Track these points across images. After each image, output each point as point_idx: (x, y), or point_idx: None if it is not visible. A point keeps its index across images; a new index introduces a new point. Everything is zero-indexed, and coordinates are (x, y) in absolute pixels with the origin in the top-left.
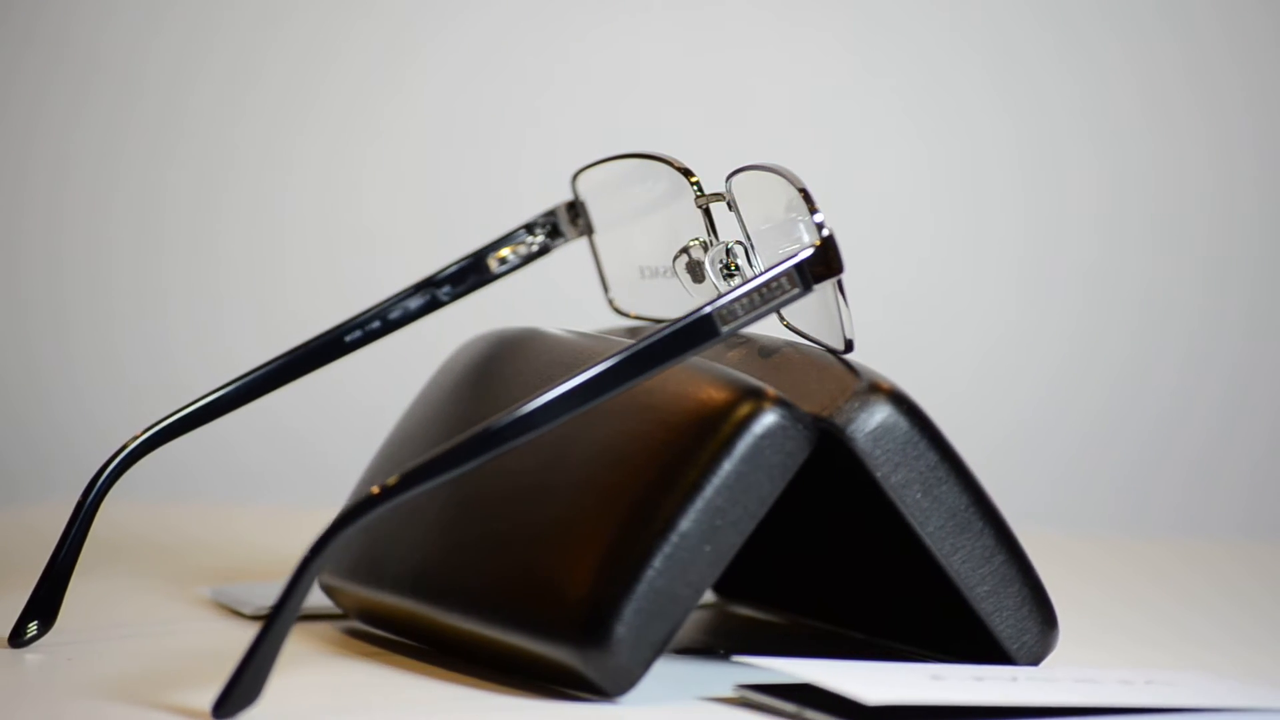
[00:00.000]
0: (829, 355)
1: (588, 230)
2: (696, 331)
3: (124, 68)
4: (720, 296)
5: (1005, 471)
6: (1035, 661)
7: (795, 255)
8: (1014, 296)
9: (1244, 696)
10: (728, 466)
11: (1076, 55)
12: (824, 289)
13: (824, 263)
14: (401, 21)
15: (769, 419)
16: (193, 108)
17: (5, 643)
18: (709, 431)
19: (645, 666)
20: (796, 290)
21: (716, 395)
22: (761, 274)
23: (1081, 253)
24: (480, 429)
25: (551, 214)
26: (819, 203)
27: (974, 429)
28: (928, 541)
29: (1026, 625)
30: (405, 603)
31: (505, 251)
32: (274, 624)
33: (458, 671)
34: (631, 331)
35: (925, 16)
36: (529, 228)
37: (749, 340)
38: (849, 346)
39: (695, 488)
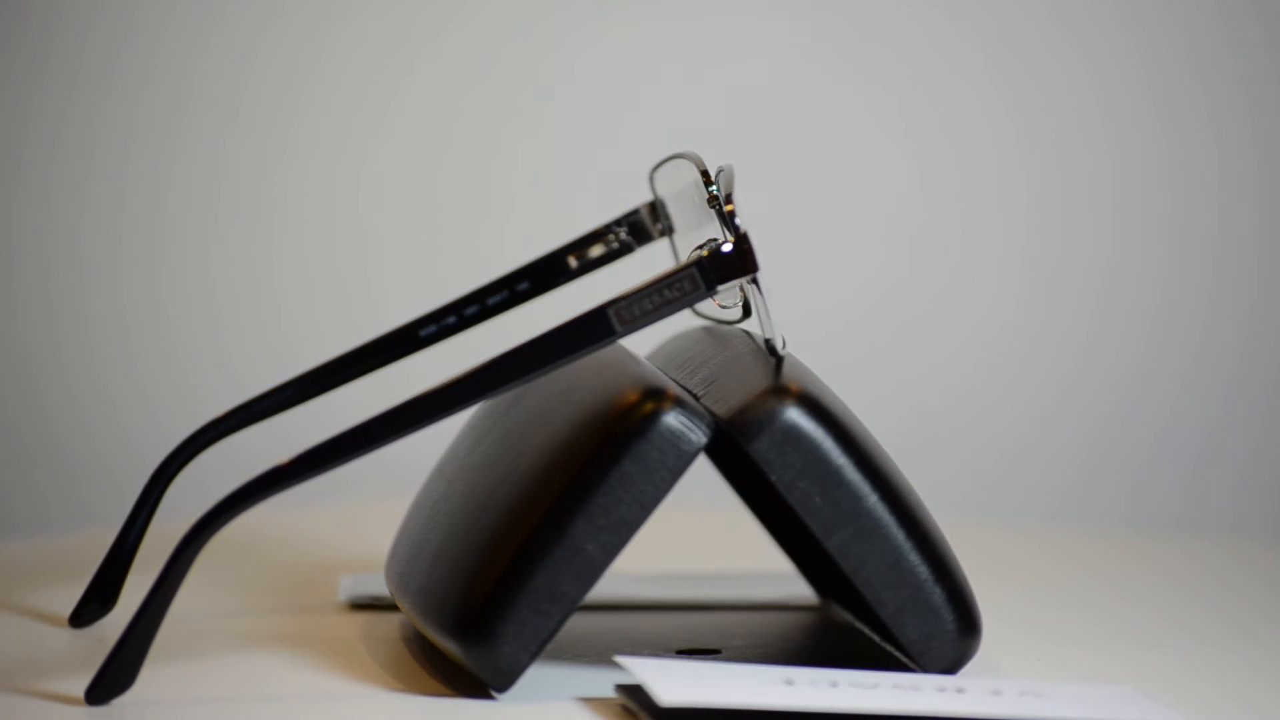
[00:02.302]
0: (770, 357)
1: (669, 230)
2: (591, 329)
3: (135, 73)
4: (620, 296)
5: (1009, 472)
6: (950, 668)
7: (699, 255)
8: (1018, 298)
9: (1116, 711)
10: (614, 468)
11: (1082, 52)
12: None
13: (736, 263)
14: (398, 24)
15: (664, 422)
16: (194, 110)
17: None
18: (606, 433)
19: (525, 664)
20: (699, 291)
21: (619, 397)
22: (662, 274)
23: (1087, 253)
24: (354, 427)
25: (634, 213)
26: (739, 202)
27: (977, 429)
28: (826, 544)
29: (936, 630)
30: (400, 600)
31: (585, 250)
32: (146, 611)
33: (404, 664)
34: (707, 331)
35: (925, 14)
36: (611, 227)
37: (743, 337)
38: (770, 348)
39: (583, 488)
